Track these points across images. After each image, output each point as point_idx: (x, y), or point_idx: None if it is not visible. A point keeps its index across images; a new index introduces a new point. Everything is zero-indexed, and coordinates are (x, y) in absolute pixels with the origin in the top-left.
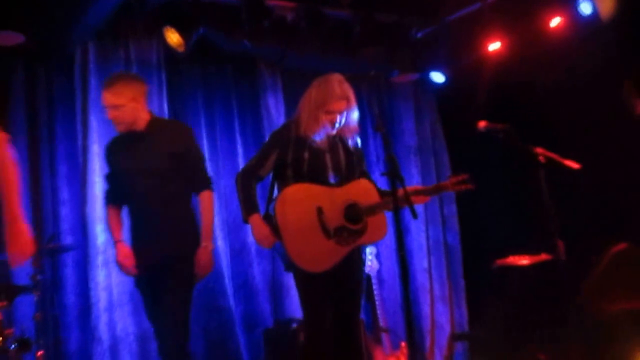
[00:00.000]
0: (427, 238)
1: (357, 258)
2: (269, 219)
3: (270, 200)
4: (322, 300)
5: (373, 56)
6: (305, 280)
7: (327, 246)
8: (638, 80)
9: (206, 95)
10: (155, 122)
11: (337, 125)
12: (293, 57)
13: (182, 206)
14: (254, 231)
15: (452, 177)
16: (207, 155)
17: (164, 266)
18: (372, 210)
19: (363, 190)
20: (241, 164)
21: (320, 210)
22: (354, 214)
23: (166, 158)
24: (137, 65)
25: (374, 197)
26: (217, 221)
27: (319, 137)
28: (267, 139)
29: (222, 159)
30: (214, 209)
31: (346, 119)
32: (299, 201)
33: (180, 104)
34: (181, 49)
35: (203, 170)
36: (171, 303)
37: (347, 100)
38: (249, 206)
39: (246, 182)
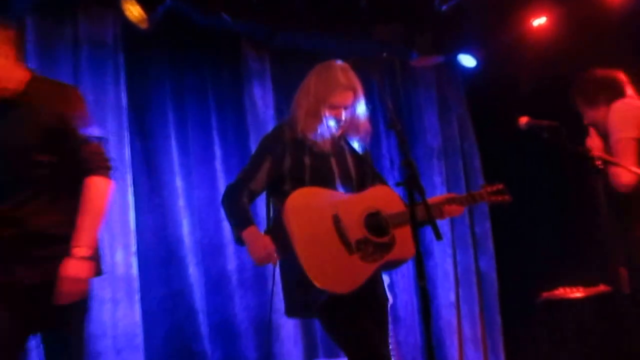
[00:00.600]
0: (455, 264)
1: (380, 289)
2: (273, 233)
3: (269, 217)
4: (365, 329)
5: (386, 35)
6: (336, 314)
7: (351, 263)
8: None
9: (175, 83)
10: (34, 84)
11: (342, 122)
12: (285, 37)
13: (62, 205)
14: (251, 245)
15: (487, 185)
16: (176, 159)
17: (36, 309)
18: (400, 219)
19: (384, 197)
20: (220, 169)
21: (337, 219)
22: (378, 224)
23: (37, 133)
24: (88, 45)
25: (398, 205)
26: (189, 243)
27: (320, 138)
28: (256, 147)
29: (196, 164)
30: (101, 200)
31: (352, 115)
32: (310, 207)
33: (143, 95)
34: (144, 25)
35: (94, 148)
36: None
37: (354, 91)
38: (240, 220)
39: (234, 196)
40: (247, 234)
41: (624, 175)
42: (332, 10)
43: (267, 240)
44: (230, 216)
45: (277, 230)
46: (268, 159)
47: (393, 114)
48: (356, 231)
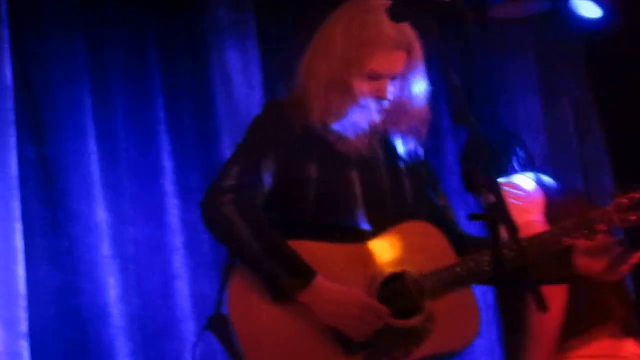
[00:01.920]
0: None
1: None
2: (219, 325)
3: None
4: None
5: None
6: None
7: None
8: None
9: (96, 49)
10: None
11: (387, 103)
12: None
13: None
14: (339, 309)
15: (622, 195)
16: (97, 175)
17: None
18: (445, 280)
19: (420, 243)
20: (171, 193)
21: None
22: (402, 295)
23: None
24: None
25: (442, 255)
26: (118, 317)
27: (353, 132)
28: (245, 136)
29: (130, 184)
30: None
31: (404, 92)
32: None
33: (41, 68)
34: None
35: None
36: None
37: (408, 50)
38: (293, 261)
39: (252, 208)
40: (320, 289)
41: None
42: None
43: (363, 297)
44: (265, 250)
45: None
46: (270, 156)
47: (464, 99)
48: None
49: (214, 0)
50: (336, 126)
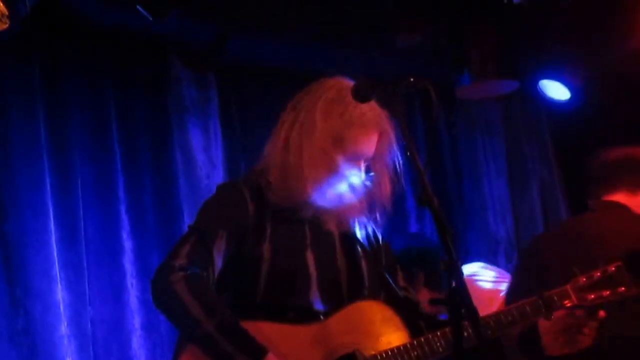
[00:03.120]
0: None
1: None
2: None
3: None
4: None
5: (415, 45)
6: None
7: None
8: None
9: (55, 125)
10: None
11: (361, 183)
12: (244, 45)
13: None
14: None
15: (582, 273)
16: (56, 253)
17: None
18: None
19: (373, 323)
20: (130, 272)
21: None
22: None
23: None
24: None
25: (396, 336)
26: None
27: (328, 203)
28: (199, 214)
29: (91, 263)
30: None
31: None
32: None
33: None
34: (2, 25)
35: None
36: None
37: (382, 133)
38: (244, 339)
39: (204, 286)
40: None
41: None
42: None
43: None
44: (217, 328)
45: None
46: (222, 239)
47: (424, 181)
48: None
49: (177, 79)
50: (317, 199)
